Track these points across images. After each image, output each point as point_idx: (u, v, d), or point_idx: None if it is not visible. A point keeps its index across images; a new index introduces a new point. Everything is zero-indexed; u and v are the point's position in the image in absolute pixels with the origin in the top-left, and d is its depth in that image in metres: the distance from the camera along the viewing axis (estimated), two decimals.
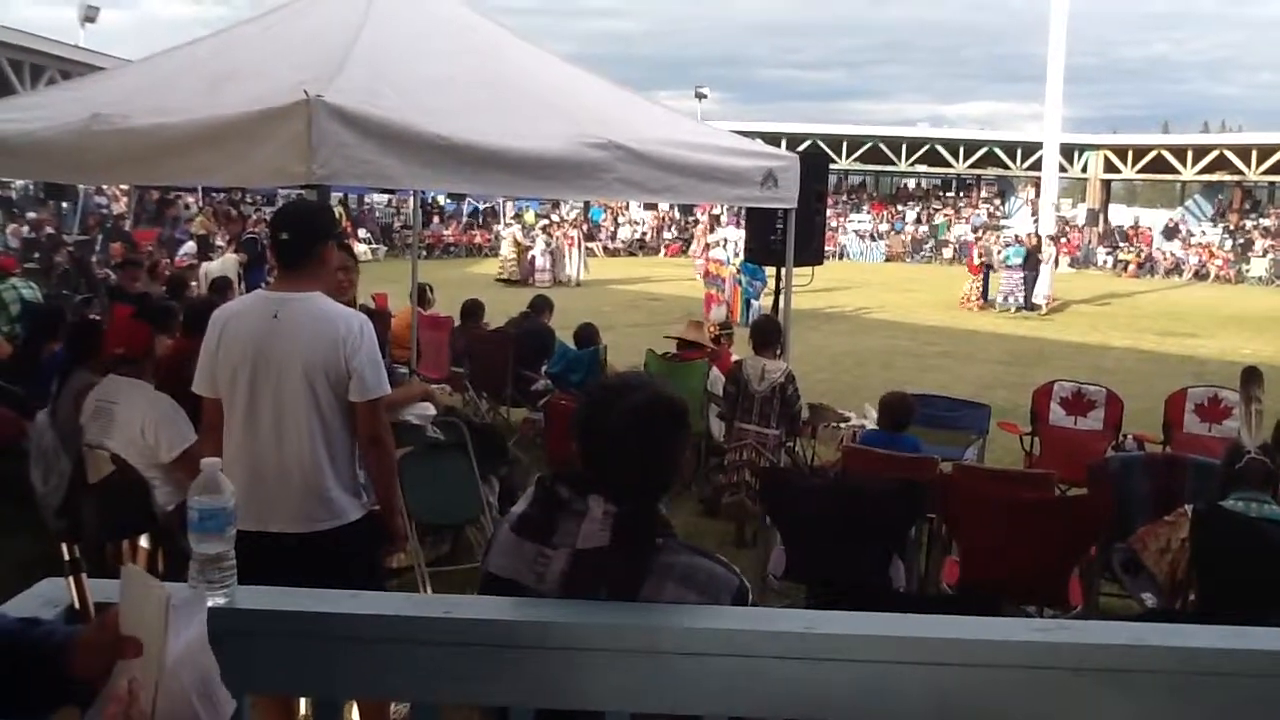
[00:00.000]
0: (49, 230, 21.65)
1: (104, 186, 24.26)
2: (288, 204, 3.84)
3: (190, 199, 28.29)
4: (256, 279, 12.64)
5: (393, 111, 4.60)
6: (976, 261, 23.38)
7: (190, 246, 19.46)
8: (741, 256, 17.43)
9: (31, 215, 23.46)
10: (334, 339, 3.35)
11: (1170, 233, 38.55)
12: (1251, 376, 4.37)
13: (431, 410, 5.24)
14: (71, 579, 1.49)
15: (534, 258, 25.50)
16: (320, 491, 3.39)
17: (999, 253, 23.50)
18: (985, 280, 22.93)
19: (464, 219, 37.15)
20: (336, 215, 25.08)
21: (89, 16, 30.59)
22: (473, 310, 10.24)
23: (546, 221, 29.85)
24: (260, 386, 3.36)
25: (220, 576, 1.67)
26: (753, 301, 16.83)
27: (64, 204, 22.52)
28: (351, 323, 3.42)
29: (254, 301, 3.57)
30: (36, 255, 18.58)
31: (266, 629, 1.70)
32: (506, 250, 26.29)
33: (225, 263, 13.66)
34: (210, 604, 1.59)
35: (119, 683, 1.37)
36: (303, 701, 3.19)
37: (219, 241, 19.73)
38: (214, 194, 28.56)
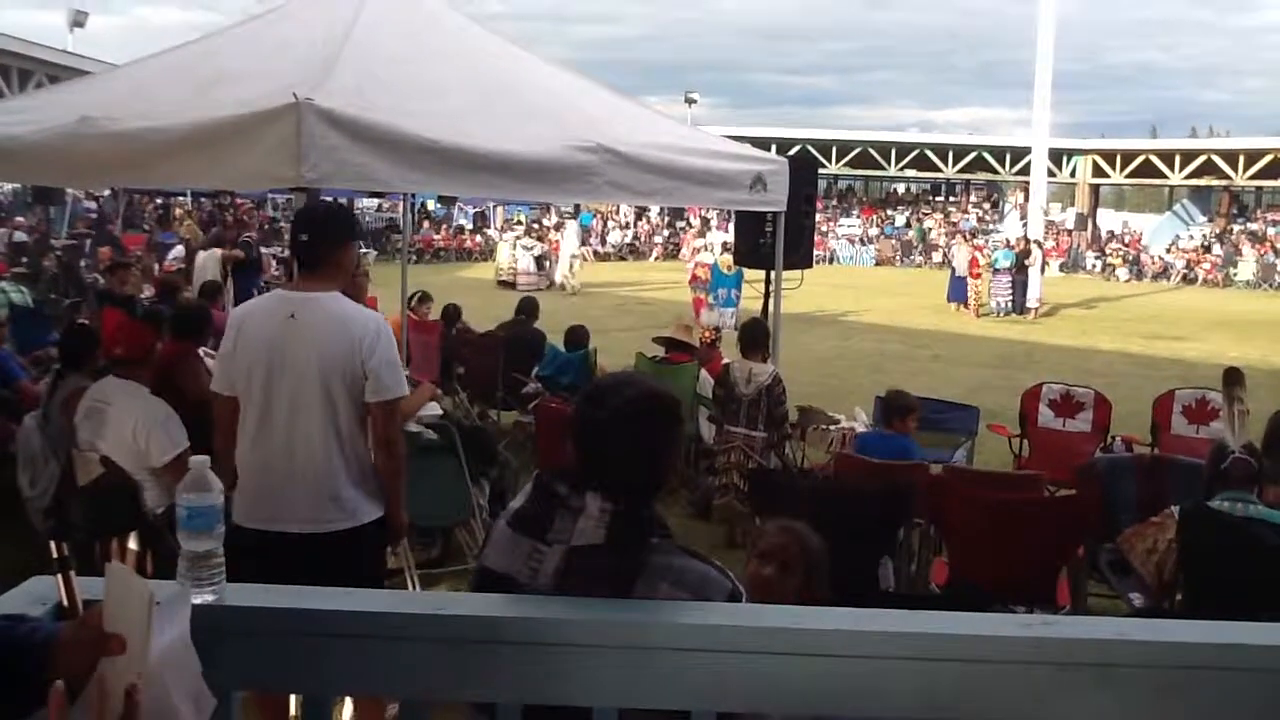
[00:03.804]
0: (37, 234, 21.60)
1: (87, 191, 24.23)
2: (308, 205, 3.91)
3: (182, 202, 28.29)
4: (247, 285, 12.49)
5: (382, 114, 4.60)
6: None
7: (179, 250, 19.40)
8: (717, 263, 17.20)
9: (21, 219, 23.40)
10: (351, 340, 3.38)
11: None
12: (1233, 377, 4.40)
13: (437, 409, 5.23)
14: (60, 576, 1.48)
15: (515, 259, 25.60)
16: (333, 492, 3.41)
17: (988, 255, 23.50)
18: (963, 285, 22.96)
19: (455, 224, 37.11)
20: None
21: (77, 21, 30.50)
22: (451, 315, 10.32)
23: (537, 226, 29.93)
24: (275, 386, 3.38)
25: (209, 574, 1.66)
26: (723, 310, 16.50)
27: (52, 208, 22.46)
28: (368, 324, 3.46)
29: (271, 301, 3.59)
30: (24, 259, 18.50)
31: (256, 626, 1.69)
32: (505, 255, 26.31)
33: (209, 257, 13.53)
34: (199, 601, 1.60)
35: (102, 681, 1.37)
36: (292, 701, 3.19)
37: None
38: (201, 198, 28.52)
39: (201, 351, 5.88)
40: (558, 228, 30.02)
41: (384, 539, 3.68)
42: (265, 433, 3.40)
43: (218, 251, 13.51)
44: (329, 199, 4.55)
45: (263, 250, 17.40)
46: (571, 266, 24.73)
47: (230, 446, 3.45)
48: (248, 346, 3.44)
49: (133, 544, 4.46)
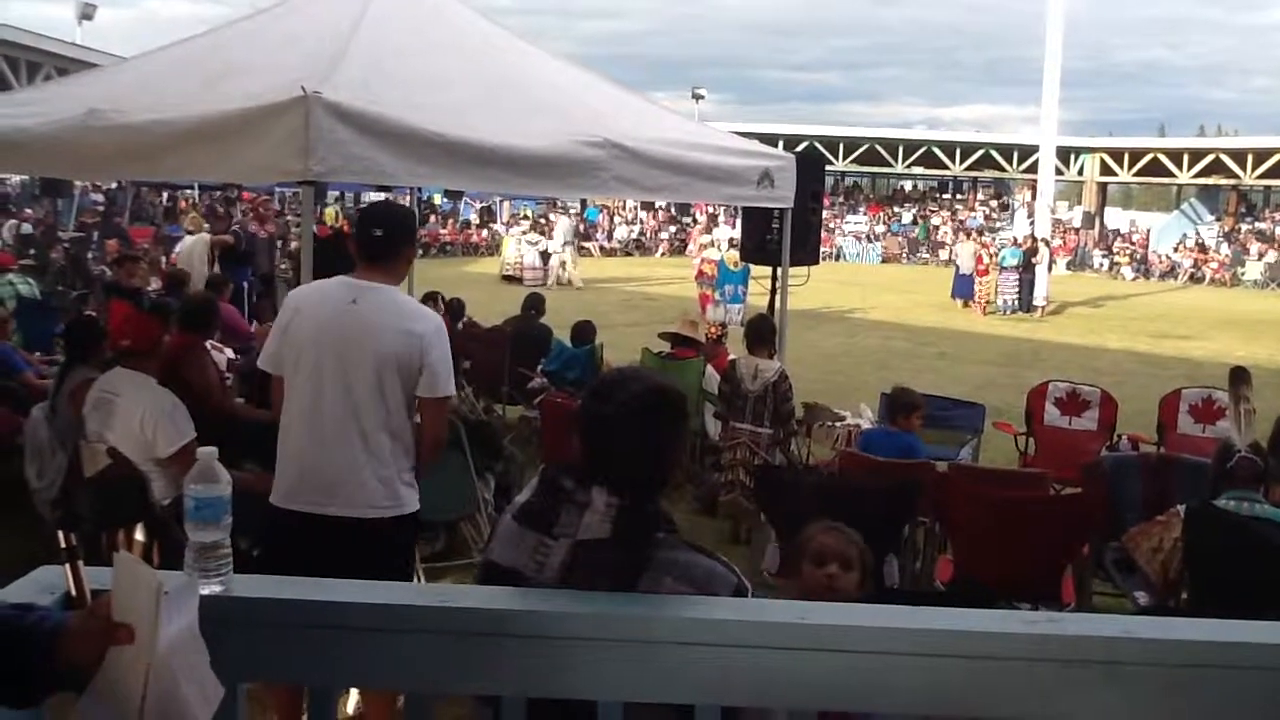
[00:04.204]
0: (44, 226, 21.66)
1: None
2: (382, 203, 4.19)
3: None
4: (238, 275, 12.41)
5: (390, 108, 4.60)
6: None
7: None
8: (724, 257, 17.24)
9: (29, 212, 23.46)
10: (410, 333, 3.41)
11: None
12: (1239, 376, 4.40)
13: None
14: (68, 566, 1.49)
15: (522, 256, 25.59)
16: (383, 479, 3.43)
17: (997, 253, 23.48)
18: (967, 282, 22.90)
19: (461, 219, 37.10)
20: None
21: (86, 14, 30.60)
22: (455, 309, 10.37)
23: (543, 221, 29.93)
24: (329, 369, 3.40)
25: (216, 565, 1.67)
26: (730, 306, 16.53)
27: (59, 200, 22.51)
28: (429, 320, 3.51)
29: (333, 286, 3.58)
30: (32, 252, 18.55)
31: (262, 617, 1.70)
32: (510, 250, 26.26)
33: (197, 241, 13.41)
34: (206, 592, 1.60)
35: (110, 669, 1.37)
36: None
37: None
38: (214, 190, 28.55)
39: (208, 344, 5.89)
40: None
41: (418, 531, 3.71)
42: (316, 416, 3.41)
43: (206, 237, 13.40)
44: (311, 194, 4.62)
45: (279, 245, 17.40)
46: (564, 265, 24.72)
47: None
48: (302, 328, 3.46)
49: (140, 536, 4.47)
